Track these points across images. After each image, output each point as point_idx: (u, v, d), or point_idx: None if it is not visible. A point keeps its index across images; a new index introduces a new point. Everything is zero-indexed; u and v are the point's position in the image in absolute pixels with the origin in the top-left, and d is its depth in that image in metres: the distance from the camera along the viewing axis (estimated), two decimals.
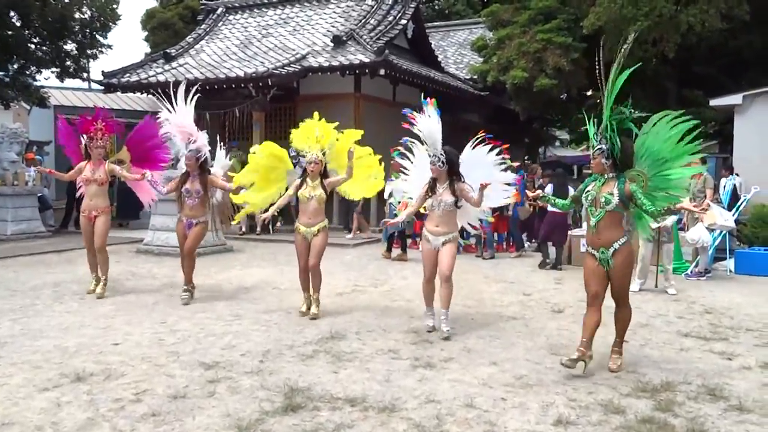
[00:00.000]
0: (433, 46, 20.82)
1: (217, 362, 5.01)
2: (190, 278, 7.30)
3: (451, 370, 4.84)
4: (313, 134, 6.48)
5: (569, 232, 10.39)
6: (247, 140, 14.32)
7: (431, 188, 5.93)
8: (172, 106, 7.27)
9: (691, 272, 9.11)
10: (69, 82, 22.72)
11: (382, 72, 13.85)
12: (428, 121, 6.00)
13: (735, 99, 13.04)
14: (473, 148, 6.20)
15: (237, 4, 18.96)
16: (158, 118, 7.54)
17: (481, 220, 6.56)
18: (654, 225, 7.83)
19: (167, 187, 7.40)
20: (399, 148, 6.56)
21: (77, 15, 18.91)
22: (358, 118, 14.90)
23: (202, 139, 7.23)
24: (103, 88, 17.16)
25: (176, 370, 4.84)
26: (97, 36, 19.29)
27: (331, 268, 9.74)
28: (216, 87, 14.39)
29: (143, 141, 7.75)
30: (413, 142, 6.38)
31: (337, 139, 6.64)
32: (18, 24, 18.86)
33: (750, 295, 7.84)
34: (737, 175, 11.97)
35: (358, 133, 6.73)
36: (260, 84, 13.99)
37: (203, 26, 18.23)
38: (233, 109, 14.49)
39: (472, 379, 4.63)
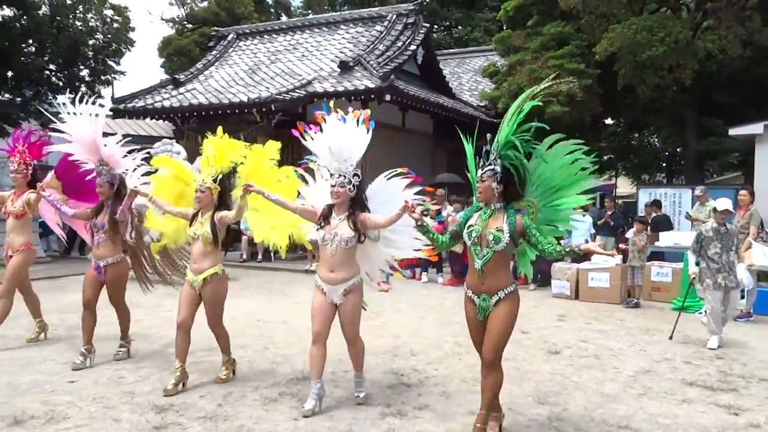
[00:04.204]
0: (448, 73, 20.64)
1: (172, 405, 4.63)
2: (126, 332, 6.08)
3: (423, 420, 4.39)
4: (206, 153, 5.05)
5: (577, 266, 9.86)
6: None
7: (324, 216, 4.59)
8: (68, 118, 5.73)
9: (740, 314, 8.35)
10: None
11: (388, 98, 13.56)
12: (345, 130, 4.58)
13: (756, 128, 12.43)
14: (388, 179, 4.84)
15: (248, 31, 18.97)
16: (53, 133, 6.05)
17: (385, 272, 5.02)
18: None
19: (74, 210, 5.89)
20: (298, 169, 5.18)
21: (91, 41, 19.09)
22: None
23: (116, 158, 5.71)
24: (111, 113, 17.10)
25: (125, 413, 4.46)
26: (109, 62, 19.41)
27: None
28: (221, 112, 14.22)
29: (73, 168, 6.11)
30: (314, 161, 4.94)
31: (245, 158, 5.15)
32: (33, 50, 19.13)
33: (767, 339, 7.24)
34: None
35: (273, 148, 5.26)
36: (264, 109, 13.78)
37: (214, 52, 18.19)
38: (238, 135, 14.24)
39: (444, 431, 4.17)
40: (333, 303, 4.53)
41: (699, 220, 10.81)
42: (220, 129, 5.19)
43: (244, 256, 13.47)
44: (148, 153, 6.18)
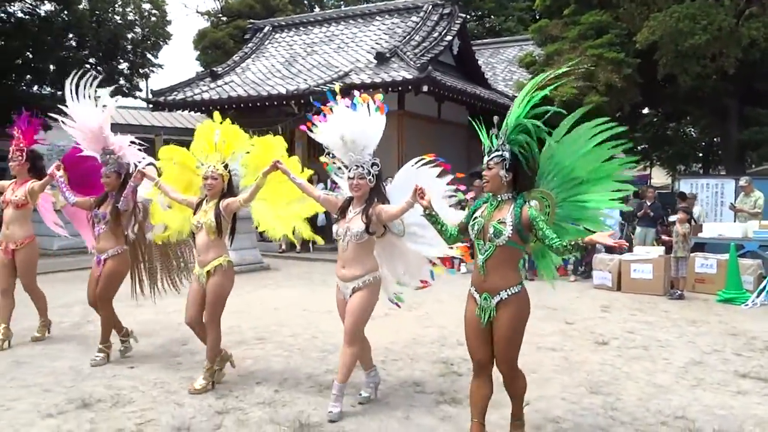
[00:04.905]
0: (482, 63, 20.52)
1: (231, 391, 4.76)
2: (108, 334, 5.55)
3: None
4: (210, 139, 4.85)
5: (619, 257, 9.78)
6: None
7: (342, 209, 4.37)
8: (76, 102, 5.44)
9: None
10: (126, 102, 23.36)
11: (425, 89, 13.57)
12: (357, 117, 4.29)
13: None
14: (417, 167, 4.50)
15: (283, 23, 19.10)
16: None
17: (427, 268, 4.70)
18: None
19: (77, 198, 5.52)
20: (333, 161, 4.61)
21: (129, 35, 19.42)
22: (401, 135, 14.65)
23: (121, 148, 5.41)
24: (151, 106, 17.44)
25: (186, 398, 4.60)
26: (148, 55, 19.72)
27: None
28: (259, 104, 14.40)
29: (80, 161, 5.80)
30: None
31: (253, 146, 5.02)
32: (74, 44, 19.51)
33: None
34: None
35: (280, 142, 5.04)
36: (302, 101, 13.90)
37: (250, 45, 18.38)
38: (276, 127, 14.42)
39: (499, 419, 4.21)
40: (346, 300, 4.30)
41: (744, 211, 10.68)
42: (217, 114, 5.06)
43: (283, 247, 13.64)
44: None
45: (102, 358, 5.46)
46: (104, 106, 5.42)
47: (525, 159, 3.54)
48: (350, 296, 4.25)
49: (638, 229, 11.55)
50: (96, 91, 5.46)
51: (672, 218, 9.67)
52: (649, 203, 11.55)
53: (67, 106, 5.48)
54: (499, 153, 3.52)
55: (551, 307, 8.17)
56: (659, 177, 29.97)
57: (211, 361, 4.80)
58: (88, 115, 5.37)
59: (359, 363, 4.55)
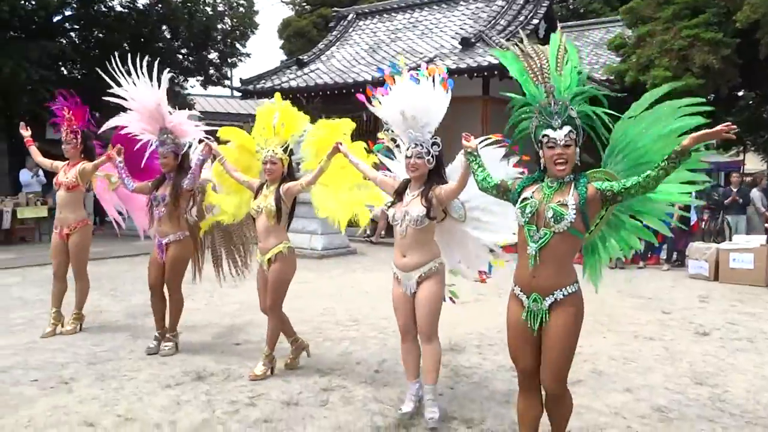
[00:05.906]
0: None
1: (333, 369, 4.94)
2: (176, 324, 5.52)
3: (579, 395, 4.41)
4: (269, 122, 4.73)
5: (717, 246, 9.43)
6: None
7: (399, 192, 4.04)
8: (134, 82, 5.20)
9: None
10: (211, 90, 24.20)
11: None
12: (420, 91, 3.94)
13: None
14: (482, 146, 3.98)
15: (367, 10, 19.24)
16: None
17: (484, 259, 4.38)
18: None
19: (136, 184, 5.40)
20: (383, 139, 4.38)
21: (219, 26, 20.05)
22: (485, 121, 14.52)
23: (183, 127, 5.25)
24: (240, 94, 17.99)
25: (292, 375, 4.82)
26: (236, 45, 20.32)
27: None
28: (345, 91, 14.61)
29: (127, 145, 5.58)
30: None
31: (317, 129, 4.82)
32: (168, 36, 20.33)
33: None
34: None
35: (347, 124, 4.73)
36: None
37: (334, 32, 18.64)
38: (361, 113, 14.61)
39: (603, 406, 4.22)
40: (410, 293, 3.97)
41: None
42: (278, 95, 4.95)
43: (368, 232, 13.83)
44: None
45: (171, 347, 5.35)
46: (159, 83, 5.17)
47: (595, 134, 3.05)
48: (416, 288, 3.94)
49: (728, 218, 11.08)
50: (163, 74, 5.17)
51: None
52: (734, 189, 10.99)
53: (120, 87, 5.25)
54: (570, 128, 2.93)
55: (646, 296, 8.00)
56: (753, 163, 28.41)
57: (271, 347, 4.79)
58: (145, 94, 5.19)
59: (405, 369, 4.22)
